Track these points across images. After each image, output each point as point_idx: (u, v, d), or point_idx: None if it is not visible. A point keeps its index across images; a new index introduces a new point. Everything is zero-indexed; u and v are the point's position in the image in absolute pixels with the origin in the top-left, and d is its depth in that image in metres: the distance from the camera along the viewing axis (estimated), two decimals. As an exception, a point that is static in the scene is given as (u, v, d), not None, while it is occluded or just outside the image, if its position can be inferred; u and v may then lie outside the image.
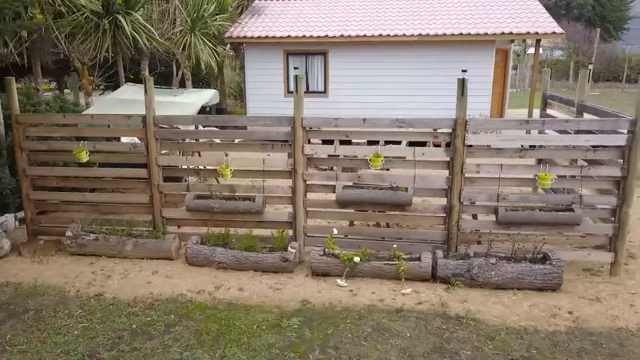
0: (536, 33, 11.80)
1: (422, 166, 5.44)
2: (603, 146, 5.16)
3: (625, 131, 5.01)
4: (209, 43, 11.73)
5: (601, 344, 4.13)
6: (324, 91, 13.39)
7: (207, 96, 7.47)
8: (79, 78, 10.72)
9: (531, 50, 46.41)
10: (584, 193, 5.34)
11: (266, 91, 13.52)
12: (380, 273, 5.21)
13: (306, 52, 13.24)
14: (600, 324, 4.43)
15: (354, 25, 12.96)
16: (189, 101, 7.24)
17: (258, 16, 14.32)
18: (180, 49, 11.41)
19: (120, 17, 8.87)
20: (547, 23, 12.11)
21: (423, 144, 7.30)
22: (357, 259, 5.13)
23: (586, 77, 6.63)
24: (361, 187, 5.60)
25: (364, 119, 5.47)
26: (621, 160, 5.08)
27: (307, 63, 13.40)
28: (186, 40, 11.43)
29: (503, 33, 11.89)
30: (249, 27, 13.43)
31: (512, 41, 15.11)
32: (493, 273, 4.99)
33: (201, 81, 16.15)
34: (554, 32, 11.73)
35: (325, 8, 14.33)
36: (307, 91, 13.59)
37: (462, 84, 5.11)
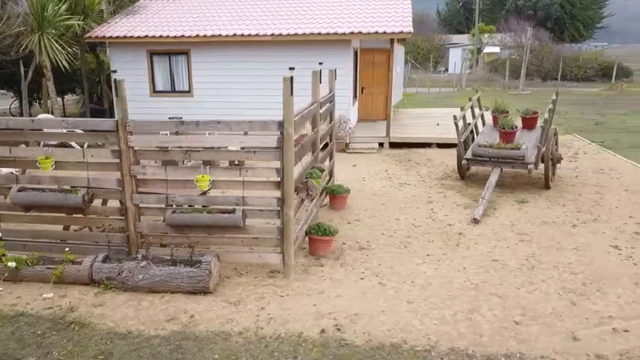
0: (384, 32, 11.77)
1: (98, 167, 5.38)
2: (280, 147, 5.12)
3: (277, 132, 4.97)
4: (55, 45, 11.61)
5: (169, 347, 4.09)
6: (189, 91, 13.31)
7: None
8: None
9: (488, 49, 46.79)
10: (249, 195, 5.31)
11: (132, 91, 13.35)
12: (43, 277, 5.14)
13: (169, 51, 13.15)
14: (207, 328, 4.39)
15: (214, 25, 12.89)
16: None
17: (132, 15, 14.22)
18: (21, 49, 11.28)
19: None
20: (400, 22, 12.09)
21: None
22: (12, 263, 5.07)
23: (318, 79, 6.59)
24: (37, 189, 5.51)
25: (32, 120, 5.39)
26: (278, 162, 5.04)
27: (171, 63, 13.31)
28: (32, 41, 11.31)
29: (352, 32, 11.85)
30: (113, 27, 13.32)
31: (395, 40, 15.08)
32: (141, 276, 4.93)
33: (75, 82, 16.01)
34: (402, 32, 11.70)
35: (199, 8, 14.27)
36: (173, 91, 13.54)
37: (117, 85, 5.05)
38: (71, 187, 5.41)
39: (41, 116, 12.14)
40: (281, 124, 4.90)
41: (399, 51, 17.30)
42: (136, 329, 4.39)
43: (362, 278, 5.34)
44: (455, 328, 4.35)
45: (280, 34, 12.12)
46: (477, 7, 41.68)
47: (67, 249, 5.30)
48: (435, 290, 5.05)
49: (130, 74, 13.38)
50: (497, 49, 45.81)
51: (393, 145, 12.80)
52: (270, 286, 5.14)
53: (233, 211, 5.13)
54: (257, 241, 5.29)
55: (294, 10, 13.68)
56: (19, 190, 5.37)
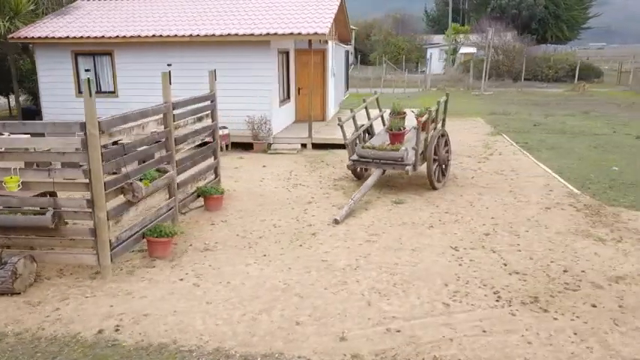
0: (299, 34, 11.81)
1: None
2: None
3: (80, 134, 5.00)
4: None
5: (-54, 350, 4.12)
6: (114, 92, 13.31)
7: None
8: None
9: (464, 49, 46.91)
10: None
11: (58, 92, 13.41)
12: None
13: (93, 52, 13.15)
14: (-12, 329, 4.42)
15: (137, 26, 12.90)
16: None
17: (63, 16, 14.22)
18: None
19: None
20: (318, 24, 12.13)
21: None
22: None
23: (167, 80, 6.62)
24: None
25: None
26: (85, 164, 5.07)
27: (96, 63, 13.31)
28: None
29: (268, 34, 11.88)
30: (38, 28, 13.31)
31: (326, 42, 15.12)
32: (-57, 278, 4.96)
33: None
34: (316, 33, 11.75)
35: (131, 9, 14.29)
36: (99, 92, 13.51)
37: None
38: None
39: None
40: (84, 126, 4.93)
41: (337, 52, 17.31)
42: None
43: (182, 279, 5.37)
44: (233, 329, 4.38)
45: (198, 35, 12.14)
46: (450, 8, 41.83)
47: None
48: (244, 291, 5.09)
49: (55, 75, 13.42)
50: (474, 50, 45.99)
51: (317, 147, 12.84)
52: (84, 287, 5.17)
53: (44, 213, 5.15)
54: (74, 242, 5.32)
55: (222, 11, 13.70)
56: None
